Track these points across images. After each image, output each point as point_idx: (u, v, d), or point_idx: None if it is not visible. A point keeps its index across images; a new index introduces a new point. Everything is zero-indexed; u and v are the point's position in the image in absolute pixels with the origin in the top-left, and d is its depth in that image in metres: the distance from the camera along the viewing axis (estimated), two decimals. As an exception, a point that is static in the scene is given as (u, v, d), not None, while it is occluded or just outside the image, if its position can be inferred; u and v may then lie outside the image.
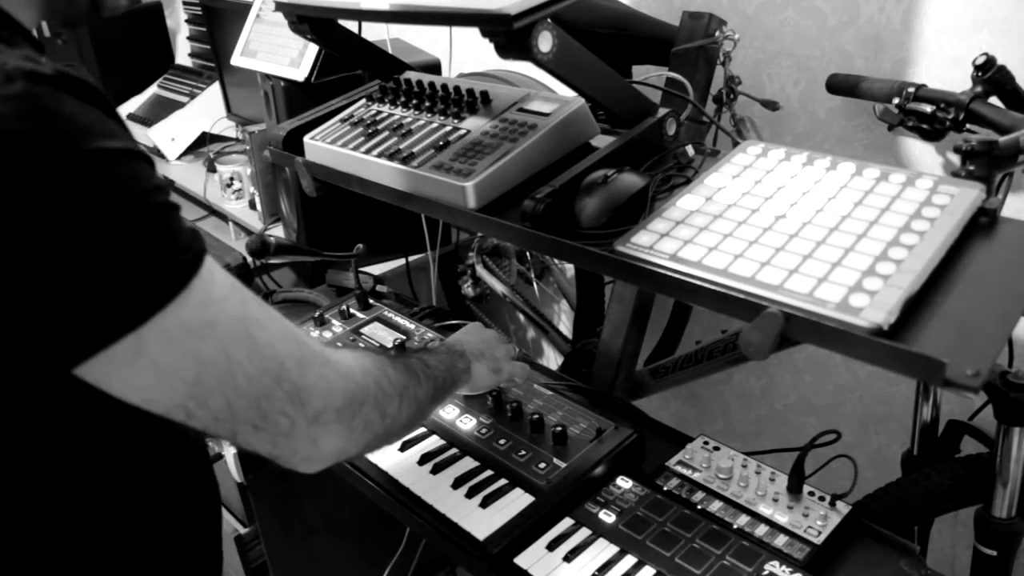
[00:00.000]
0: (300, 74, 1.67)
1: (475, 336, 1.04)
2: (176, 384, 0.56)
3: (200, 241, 0.57)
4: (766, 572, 0.84)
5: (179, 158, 2.48)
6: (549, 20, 0.81)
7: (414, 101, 1.12)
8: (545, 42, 0.81)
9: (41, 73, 0.51)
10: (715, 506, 0.94)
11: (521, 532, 0.91)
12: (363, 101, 1.19)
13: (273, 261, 1.51)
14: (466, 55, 1.92)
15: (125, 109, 2.68)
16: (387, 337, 1.30)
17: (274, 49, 1.76)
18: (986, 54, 1.11)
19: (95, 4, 0.68)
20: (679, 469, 1.00)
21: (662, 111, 0.96)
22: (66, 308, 0.50)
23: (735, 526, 0.91)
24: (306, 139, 1.16)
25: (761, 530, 0.90)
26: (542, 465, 1.00)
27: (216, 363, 0.57)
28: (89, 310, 0.51)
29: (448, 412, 1.11)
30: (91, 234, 0.50)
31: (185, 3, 2.72)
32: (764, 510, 0.92)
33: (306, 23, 1.11)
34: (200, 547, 0.78)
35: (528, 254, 2.01)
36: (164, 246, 0.54)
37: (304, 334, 0.67)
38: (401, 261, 1.80)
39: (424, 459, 1.04)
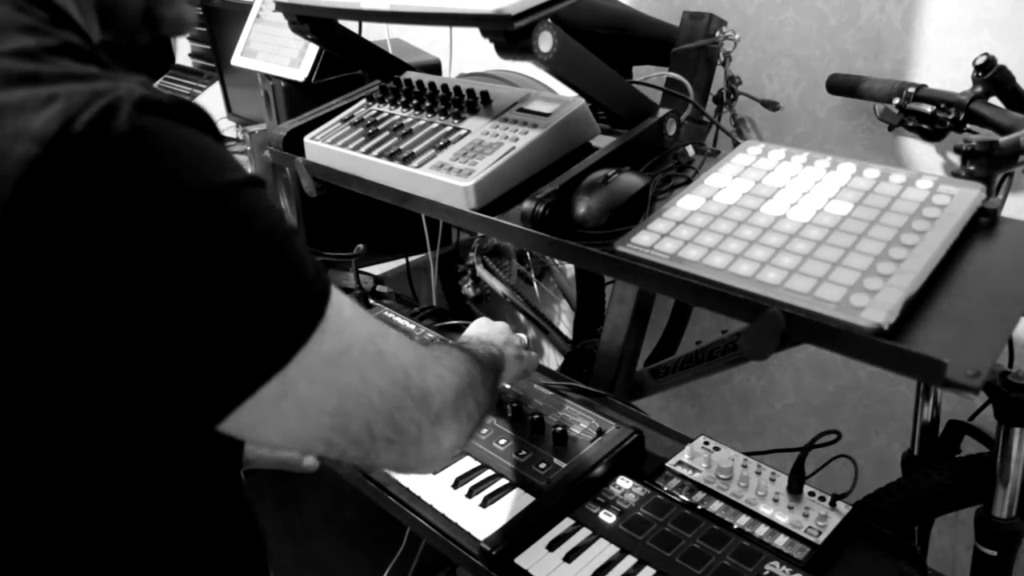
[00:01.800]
0: (300, 74, 1.67)
1: (489, 328, 1.03)
2: (321, 418, 0.54)
3: (323, 267, 0.55)
4: (766, 572, 0.84)
5: (179, 158, 2.48)
6: (549, 20, 0.80)
7: (414, 101, 1.12)
8: (545, 42, 0.81)
9: (157, 101, 0.47)
10: (715, 506, 0.94)
11: (521, 532, 0.91)
12: (363, 101, 1.19)
13: (273, 261, 1.50)
14: (466, 55, 1.92)
15: (125, 109, 2.68)
16: (387, 337, 1.30)
17: (274, 49, 1.76)
18: (986, 54, 1.11)
19: (151, 18, 0.63)
20: (679, 469, 1.00)
21: (662, 111, 0.96)
22: (209, 358, 0.47)
23: (735, 526, 0.91)
24: (306, 139, 1.16)
25: (761, 530, 0.90)
26: (542, 465, 1.00)
27: (355, 387, 0.56)
28: (235, 356, 0.48)
29: (448, 412, 1.11)
30: (228, 276, 0.47)
31: (185, 3, 2.72)
32: (764, 510, 0.92)
33: (306, 23, 1.11)
34: None
35: (528, 254, 2.01)
36: (297, 280, 0.51)
37: (409, 338, 0.67)
38: (401, 261, 1.80)
39: (424, 459, 1.04)
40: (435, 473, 0.68)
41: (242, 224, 0.48)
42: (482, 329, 1.03)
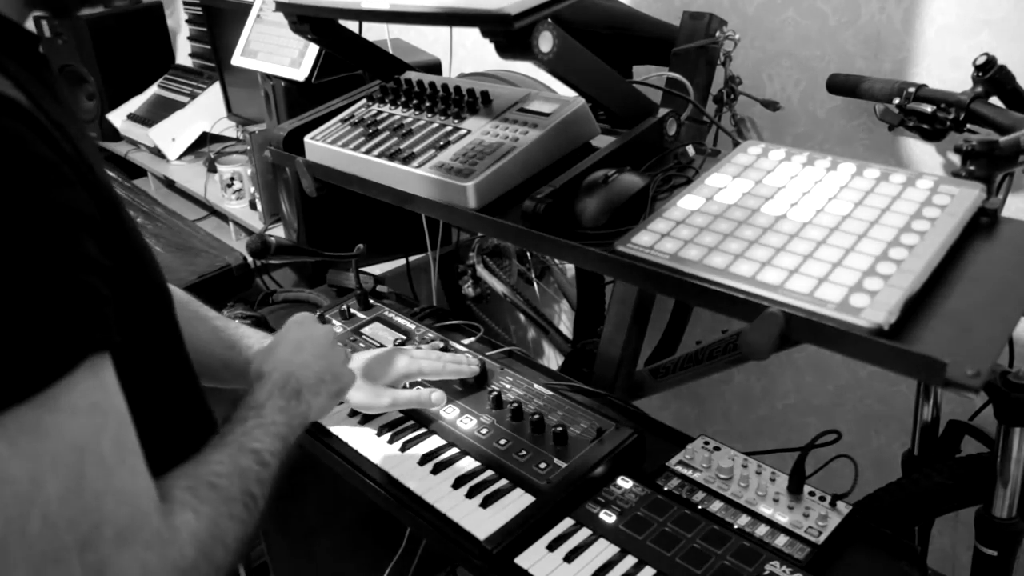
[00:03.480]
0: (300, 74, 1.67)
1: (310, 348, 0.84)
2: None
3: (85, 334, 0.46)
4: (766, 572, 0.84)
5: (179, 158, 2.48)
6: (549, 20, 0.80)
7: (414, 101, 1.12)
8: (545, 42, 0.81)
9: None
10: (715, 506, 0.94)
11: (521, 532, 0.91)
12: (363, 101, 1.19)
13: (273, 261, 1.51)
14: (466, 55, 1.92)
15: (125, 109, 2.68)
16: (388, 337, 1.30)
17: (274, 49, 1.76)
18: (987, 54, 1.11)
19: None
20: (679, 469, 1.00)
21: (662, 111, 0.96)
22: None
23: (735, 526, 0.91)
24: (306, 139, 1.16)
25: (761, 530, 0.90)
26: (542, 465, 1.00)
27: (17, 482, 0.44)
28: None
29: (448, 412, 1.11)
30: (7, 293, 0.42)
31: (185, 3, 2.73)
32: (764, 510, 0.92)
33: (306, 23, 1.11)
34: None
35: (528, 254, 2.01)
36: (49, 334, 0.44)
37: (153, 500, 0.52)
38: (401, 261, 1.80)
39: (425, 459, 1.04)
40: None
41: (51, 251, 0.44)
42: (300, 355, 0.82)
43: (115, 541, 0.47)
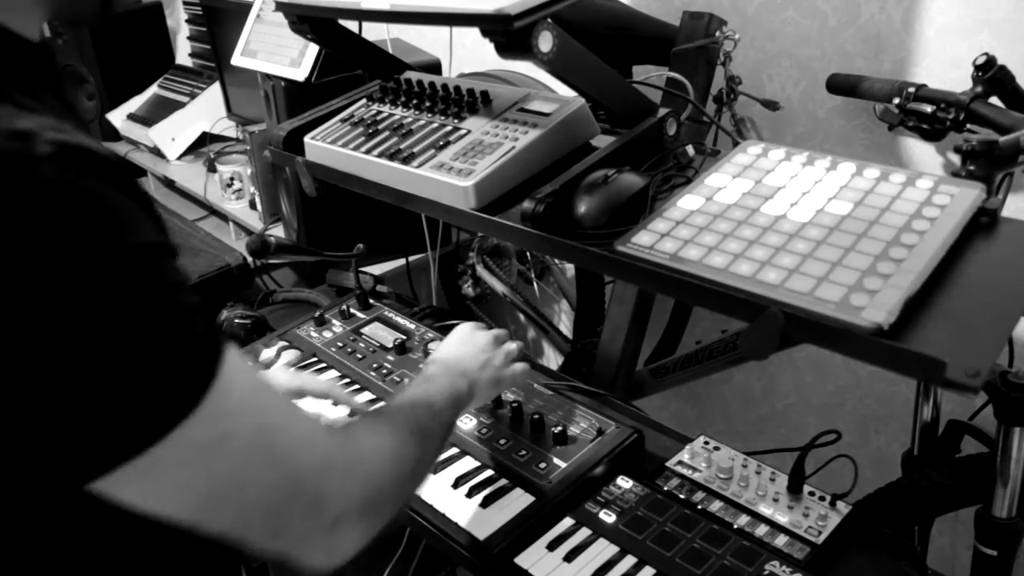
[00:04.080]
0: (300, 74, 1.67)
1: (469, 344, 0.96)
2: (185, 499, 0.51)
3: (217, 344, 0.51)
4: (766, 572, 0.84)
5: (179, 158, 2.48)
6: (549, 20, 0.80)
7: (414, 101, 1.12)
8: (545, 42, 0.81)
9: (72, 151, 0.45)
10: (715, 506, 0.94)
11: (521, 532, 0.91)
12: (363, 101, 1.19)
13: (273, 261, 1.51)
14: (466, 55, 1.92)
15: (125, 109, 2.68)
16: (387, 337, 1.30)
17: (274, 49, 1.76)
18: (986, 54, 1.11)
19: (105, 1, 0.62)
20: (679, 469, 1.00)
21: (662, 111, 0.96)
22: (84, 422, 0.45)
23: (735, 526, 0.91)
24: (306, 139, 1.16)
25: (761, 530, 0.90)
26: (542, 465, 1.00)
27: (230, 478, 0.52)
28: (107, 426, 0.46)
29: (448, 412, 1.11)
30: (109, 344, 0.45)
31: (185, 3, 2.73)
32: (764, 510, 0.92)
33: (306, 23, 1.11)
34: None
35: (528, 254, 2.01)
36: (178, 359, 0.48)
37: (324, 431, 0.61)
38: (401, 261, 1.80)
39: (424, 459, 1.03)
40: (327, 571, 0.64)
41: (133, 292, 0.46)
42: (461, 348, 0.95)
43: (318, 476, 0.57)
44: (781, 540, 0.88)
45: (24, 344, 0.43)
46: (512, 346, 1.00)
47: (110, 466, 0.47)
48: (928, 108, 1.14)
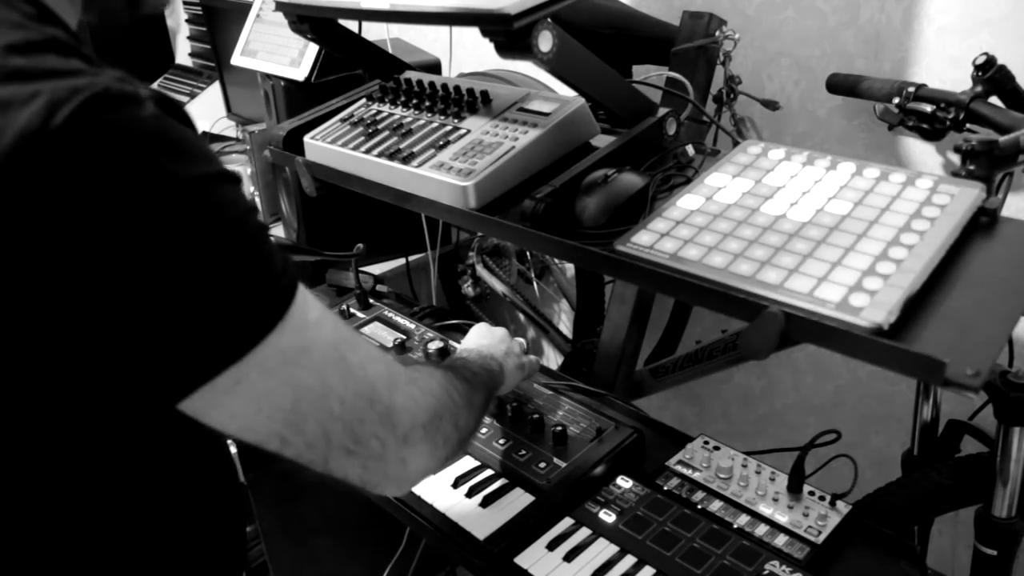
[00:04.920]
0: (300, 74, 1.67)
1: (489, 337, 1.03)
2: (274, 412, 0.55)
3: (292, 263, 0.56)
4: (766, 572, 0.84)
5: (179, 158, 2.48)
6: (549, 20, 0.81)
7: (414, 101, 1.12)
8: (545, 42, 0.81)
9: (134, 95, 0.49)
10: (715, 506, 0.94)
11: (521, 532, 0.91)
12: (363, 101, 1.19)
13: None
14: (466, 55, 1.92)
15: (125, 109, 2.68)
16: (387, 337, 1.30)
17: (274, 49, 1.76)
18: (986, 54, 1.11)
19: (131, 2, 0.66)
20: (679, 469, 1.00)
21: (662, 111, 0.96)
22: (171, 343, 0.49)
23: (735, 526, 0.91)
24: (306, 139, 1.16)
25: (761, 530, 0.90)
26: (542, 465, 1.00)
27: (312, 389, 0.56)
28: (193, 344, 0.50)
29: (448, 412, 1.11)
30: (197, 265, 0.49)
31: (185, 3, 2.73)
32: (764, 510, 0.92)
33: (306, 23, 1.11)
34: (221, 550, 0.74)
35: (528, 254, 2.01)
36: (263, 273, 0.52)
37: (383, 351, 0.66)
38: (401, 261, 1.80)
39: (424, 459, 1.04)
40: (400, 494, 0.66)
41: (213, 216, 0.50)
42: (483, 339, 1.02)
43: (388, 389, 0.61)
44: (781, 540, 0.88)
45: (134, 260, 0.46)
46: (521, 340, 1.06)
47: (212, 373, 0.50)
48: (928, 108, 1.14)
